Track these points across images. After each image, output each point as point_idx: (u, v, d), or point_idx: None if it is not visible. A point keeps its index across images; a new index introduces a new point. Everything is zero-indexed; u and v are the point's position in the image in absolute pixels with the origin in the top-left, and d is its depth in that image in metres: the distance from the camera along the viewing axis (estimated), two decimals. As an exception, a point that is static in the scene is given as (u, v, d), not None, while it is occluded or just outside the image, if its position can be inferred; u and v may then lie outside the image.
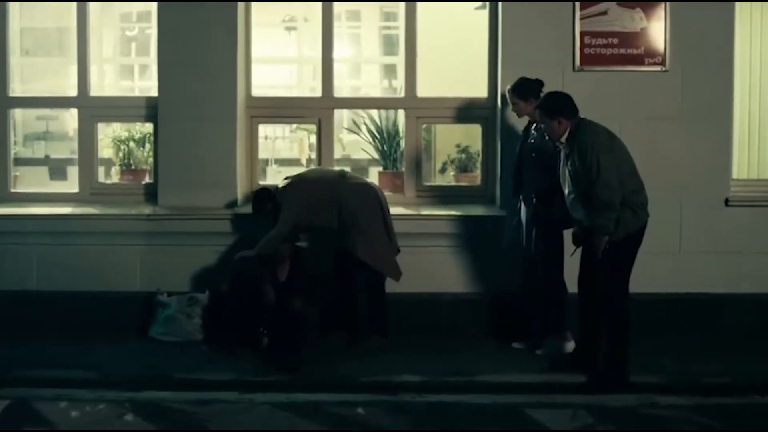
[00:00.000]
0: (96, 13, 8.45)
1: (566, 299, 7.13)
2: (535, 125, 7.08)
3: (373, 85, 11.84)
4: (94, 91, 8.37)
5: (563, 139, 6.48)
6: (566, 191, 6.54)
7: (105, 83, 9.97)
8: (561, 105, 6.52)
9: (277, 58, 11.52)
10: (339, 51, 11.93)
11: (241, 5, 8.03)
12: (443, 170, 9.01)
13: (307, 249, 7.67)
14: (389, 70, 11.34)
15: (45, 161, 10.25)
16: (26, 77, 9.17)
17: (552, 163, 6.77)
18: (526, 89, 7.09)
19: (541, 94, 6.93)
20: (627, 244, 6.44)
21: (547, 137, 6.72)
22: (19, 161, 9.04)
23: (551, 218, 6.94)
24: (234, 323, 7.33)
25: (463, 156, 8.58)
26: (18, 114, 8.76)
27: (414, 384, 6.55)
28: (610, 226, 6.29)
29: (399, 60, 9.10)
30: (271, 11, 10.55)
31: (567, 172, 6.48)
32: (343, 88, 10.46)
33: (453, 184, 8.57)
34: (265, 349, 7.19)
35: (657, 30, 7.86)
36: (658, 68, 7.89)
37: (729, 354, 7.24)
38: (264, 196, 7.40)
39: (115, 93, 9.95)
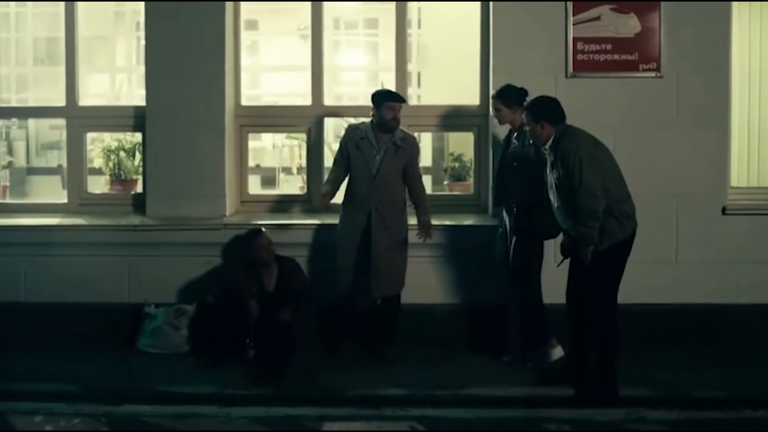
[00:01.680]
0: (110, 22, 8.35)
1: (544, 309, 7.02)
2: (516, 134, 6.95)
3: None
4: (105, 100, 8.28)
5: (547, 146, 6.34)
6: (553, 200, 6.40)
7: (122, 92, 9.95)
8: (546, 109, 6.38)
9: (289, 66, 11.45)
10: (355, 59, 12.06)
11: (229, 12, 7.94)
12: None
13: (293, 260, 7.55)
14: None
15: (58, 170, 10.18)
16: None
17: (533, 172, 6.64)
18: (510, 96, 6.95)
19: (525, 103, 6.78)
20: (613, 254, 6.29)
21: (530, 142, 6.60)
22: (33, 171, 8.99)
23: (533, 228, 6.81)
24: (220, 335, 7.22)
25: (457, 165, 8.46)
26: (32, 124, 8.71)
27: (398, 397, 6.43)
28: (594, 236, 6.15)
29: (417, 67, 8.94)
30: (284, 19, 10.51)
31: (552, 180, 6.34)
32: (359, 96, 10.42)
33: (445, 193, 8.44)
34: (251, 360, 7.09)
35: (651, 35, 7.71)
36: (653, 74, 7.72)
37: (725, 366, 7.07)
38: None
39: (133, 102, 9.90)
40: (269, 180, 10.22)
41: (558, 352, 6.97)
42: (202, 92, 7.85)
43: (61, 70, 8.17)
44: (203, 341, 7.44)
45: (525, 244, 6.96)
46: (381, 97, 7.17)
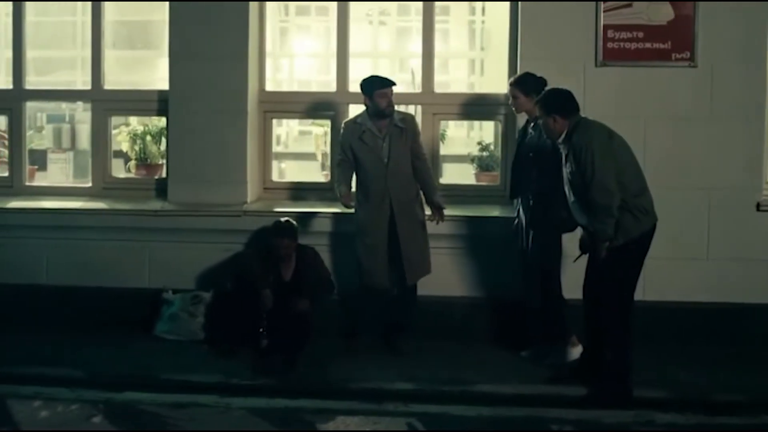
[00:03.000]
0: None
1: (564, 304, 6.82)
2: (533, 124, 6.74)
3: (459, 80, 11.66)
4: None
5: (560, 140, 6.12)
6: (568, 194, 6.18)
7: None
8: (558, 102, 6.16)
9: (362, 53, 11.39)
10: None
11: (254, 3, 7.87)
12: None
13: (313, 248, 7.43)
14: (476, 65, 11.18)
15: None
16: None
17: (550, 163, 6.43)
18: (528, 83, 6.74)
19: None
20: (629, 250, 6.06)
21: (545, 136, 6.39)
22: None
23: (549, 221, 6.61)
24: (234, 323, 7.16)
25: (485, 154, 8.26)
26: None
27: (404, 392, 6.30)
28: (609, 232, 5.93)
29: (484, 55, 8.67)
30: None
31: (566, 174, 6.13)
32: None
33: (471, 183, 8.25)
34: (264, 350, 7.00)
35: (685, 23, 7.41)
36: (686, 64, 7.43)
37: (751, 369, 6.81)
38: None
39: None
40: (293, 167, 10.07)
41: (578, 351, 6.75)
42: (225, 77, 7.77)
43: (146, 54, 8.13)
44: (218, 329, 7.38)
45: (542, 237, 6.77)
46: (371, 86, 7.01)
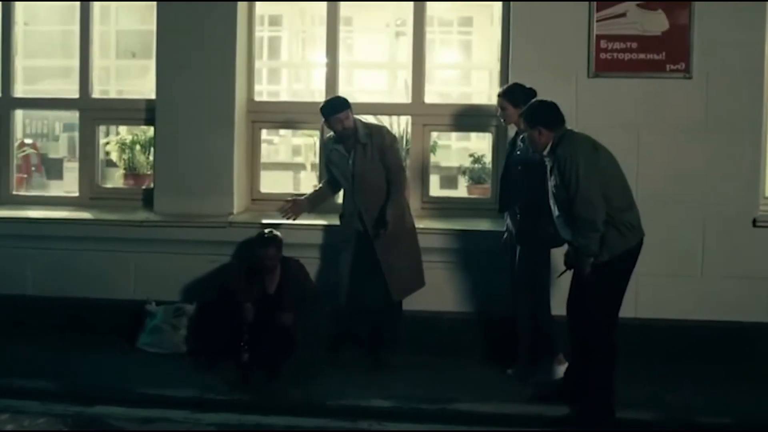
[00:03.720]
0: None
1: (552, 321, 6.65)
2: (522, 136, 6.58)
3: (481, 92, 11.57)
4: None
5: (546, 152, 5.96)
6: (553, 208, 6.02)
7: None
8: (542, 114, 5.99)
9: (370, 63, 11.35)
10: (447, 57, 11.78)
11: (242, 9, 7.76)
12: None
13: (298, 261, 7.30)
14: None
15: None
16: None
17: (539, 177, 6.24)
18: (517, 94, 6.57)
19: None
20: (614, 267, 5.86)
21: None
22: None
23: (537, 235, 6.44)
24: (216, 336, 7.04)
25: (477, 166, 8.11)
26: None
27: (381, 410, 6.13)
28: (593, 247, 5.75)
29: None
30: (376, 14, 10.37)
31: (551, 187, 5.96)
32: (451, 94, 10.18)
33: (462, 195, 8.11)
34: (245, 364, 6.86)
35: (680, 33, 7.22)
36: (681, 75, 7.24)
37: (745, 389, 6.59)
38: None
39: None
40: (284, 177, 9.99)
41: (564, 368, 6.56)
42: (212, 87, 7.67)
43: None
44: (200, 342, 7.26)
45: (530, 252, 6.61)
46: (326, 111, 6.95)
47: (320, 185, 7.27)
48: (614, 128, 7.04)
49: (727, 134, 7.24)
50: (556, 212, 5.98)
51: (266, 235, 7.10)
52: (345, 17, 8.77)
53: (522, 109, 6.38)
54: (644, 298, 7.15)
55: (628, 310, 7.14)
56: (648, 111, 7.28)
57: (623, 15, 7.27)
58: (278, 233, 7.12)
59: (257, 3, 8.01)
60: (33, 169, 9.65)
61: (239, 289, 6.99)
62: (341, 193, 7.21)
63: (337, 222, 7.23)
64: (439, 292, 7.41)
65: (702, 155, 7.25)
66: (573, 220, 5.79)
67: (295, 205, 7.12)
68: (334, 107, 6.91)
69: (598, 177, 5.76)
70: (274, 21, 11.75)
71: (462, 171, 8.23)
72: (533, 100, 6.26)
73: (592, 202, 5.69)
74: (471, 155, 8.23)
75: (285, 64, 11.32)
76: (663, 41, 7.25)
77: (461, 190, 8.21)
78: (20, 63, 8.37)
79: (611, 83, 7.31)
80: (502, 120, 6.83)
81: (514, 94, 6.62)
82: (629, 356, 6.74)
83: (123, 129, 8.56)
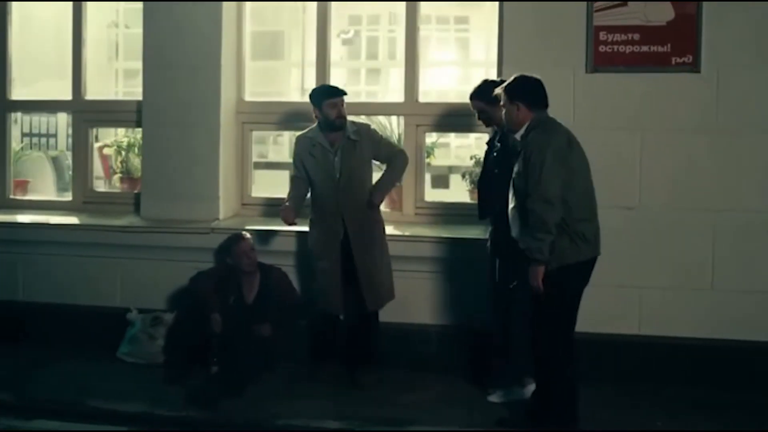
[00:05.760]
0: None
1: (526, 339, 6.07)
2: (499, 136, 6.06)
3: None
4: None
5: (518, 135, 5.47)
6: (510, 199, 5.52)
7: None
8: (524, 88, 5.51)
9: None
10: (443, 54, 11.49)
11: (230, 7, 7.48)
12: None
13: (280, 269, 6.97)
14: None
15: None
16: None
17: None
18: (490, 91, 5.98)
19: None
20: (561, 278, 5.33)
21: (512, 145, 5.67)
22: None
23: (513, 244, 5.91)
24: (186, 348, 6.77)
25: (478, 169, 7.59)
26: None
27: (329, 432, 5.74)
28: (544, 251, 5.23)
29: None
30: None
31: (513, 174, 5.45)
32: (449, 93, 9.80)
33: (457, 200, 7.63)
34: (213, 377, 6.56)
35: (687, 23, 6.61)
36: (688, 69, 6.63)
37: (755, 415, 6.01)
38: None
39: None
40: (277, 180, 9.62)
41: (531, 390, 6.02)
42: (197, 87, 7.41)
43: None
44: (173, 353, 6.99)
45: (507, 262, 6.08)
46: (320, 96, 6.51)
47: (292, 188, 6.80)
48: (615, 128, 6.64)
49: (740, 134, 6.61)
50: (512, 203, 5.48)
51: (236, 233, 6.94)
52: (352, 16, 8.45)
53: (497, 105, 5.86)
54: (648, 313, 6.68)
55: (631, 326, 6.77)
56: (652, 109, 6.70)
57: (624, 4, 6.71)
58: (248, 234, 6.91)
59: (247, 3, 7.73)
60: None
61: (207, 299, 6.72)
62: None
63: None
64: (422, 303, 7.05)
65: (712, 157, 6.65)
66: (527, 215, 5.28)
67: (289, 211, 6.68)
68: (330, 91, 6.56)
69: (563, 175, 5.25)
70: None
71: (462, 174, 7.74)
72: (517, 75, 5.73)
73: (549, 200, 5.19)
74: (472, 157, 7.74)
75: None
76: (668, 32, 6.65)
77: (463, 195, 7.72)
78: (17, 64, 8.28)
79: (612, 79, 6.74)
80: (483, 124, 6.31)
81: (486, 92, 6.07)
82: (631, 378, 6.50)
83: (120, 131, 8.38)
